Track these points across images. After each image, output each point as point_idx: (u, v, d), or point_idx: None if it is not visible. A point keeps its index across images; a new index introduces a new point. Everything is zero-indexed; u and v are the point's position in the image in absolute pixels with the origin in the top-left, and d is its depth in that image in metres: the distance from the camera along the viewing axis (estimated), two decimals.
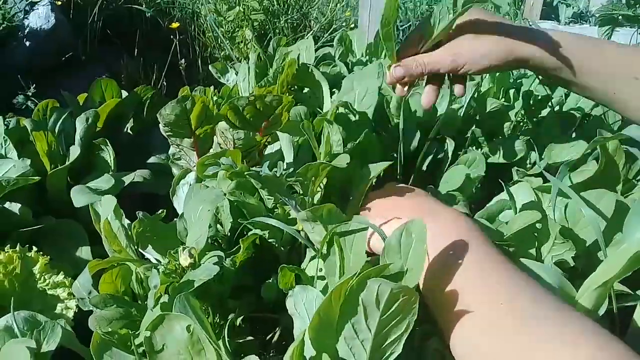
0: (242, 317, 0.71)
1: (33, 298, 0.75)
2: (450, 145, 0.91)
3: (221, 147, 0.92)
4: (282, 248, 0.76)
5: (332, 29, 2.40)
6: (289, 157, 0.90)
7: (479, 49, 0.79)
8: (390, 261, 0.52)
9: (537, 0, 3.42)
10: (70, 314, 0.75)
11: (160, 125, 0.92)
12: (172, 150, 0.99)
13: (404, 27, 3.21)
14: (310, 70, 1.15)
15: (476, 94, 1.07)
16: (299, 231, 0.70)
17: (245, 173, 0.70)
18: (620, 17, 1.42)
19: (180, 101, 0.89)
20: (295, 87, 1.21)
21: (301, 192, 0.79)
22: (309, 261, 0.69)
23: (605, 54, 0.79)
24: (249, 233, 0.73)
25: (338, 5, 2.75)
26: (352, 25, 2.56)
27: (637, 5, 1.41)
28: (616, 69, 0.79)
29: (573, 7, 3.86)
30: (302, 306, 0.56)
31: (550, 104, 1.06)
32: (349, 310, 0.48)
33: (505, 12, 4.20)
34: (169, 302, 0.63)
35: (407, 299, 0.45)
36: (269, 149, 0.98)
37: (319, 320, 0.49)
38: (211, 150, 0.94)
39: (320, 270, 0.64)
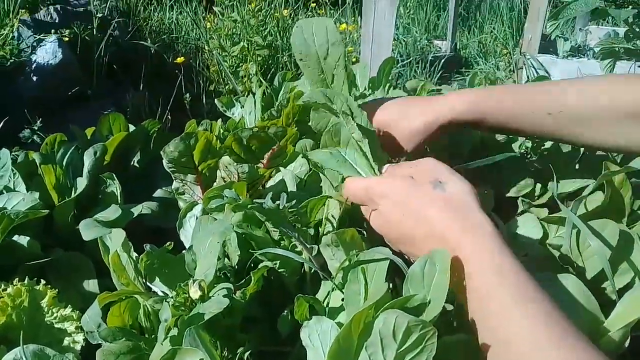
0: (250, 351, 0.71)
1: (40, 331, 0.75)
2: None
3: (225, 181, 0.93)
4: (290, 278, 0.76)
5: None
6: (291, 189, 0.91)
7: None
8: (414, 291, 0.52)
9: (535, 34, 3.47)
10: (78, 347, 0.74)
11: (164, 162, 0.92)
12: (175, 185, 0.99)
13: (404, 62, 3.26)
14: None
15: None
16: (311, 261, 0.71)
17: (249, 206, 0.71)
18: (621, 50, 1.45)
19: (183, 138, 0.90)
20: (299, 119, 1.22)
21: (304, 225, 0.80)
22: (332, 291, 0.68)
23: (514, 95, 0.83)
24: (260, 265, 0.73)
25: None
26: (354, 60, 2.60)
27: (635, 39, 1.43)
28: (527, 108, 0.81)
29: (571, 41, 3.92)
30: (317, 337, 0.56)
31: None
32: (367, 340, 0.48)
33: (503, 46, 4.27)
34: (178, 335, 0.63)
35: (425, 334, 0.45)
36: (271, 182, 0.98)
37: (338, 347, 0.49)
38: (214, 184, 0.95)
39: (342, 300, 0.64)
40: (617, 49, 1.44)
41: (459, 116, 0.82)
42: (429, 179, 0.65)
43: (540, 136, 0.87)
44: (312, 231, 0.81)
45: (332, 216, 0.77)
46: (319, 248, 0.71)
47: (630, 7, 1.59)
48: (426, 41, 4.33)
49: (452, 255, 0.58)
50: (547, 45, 3.80)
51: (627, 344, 0.60)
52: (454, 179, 0.65)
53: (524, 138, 1.05)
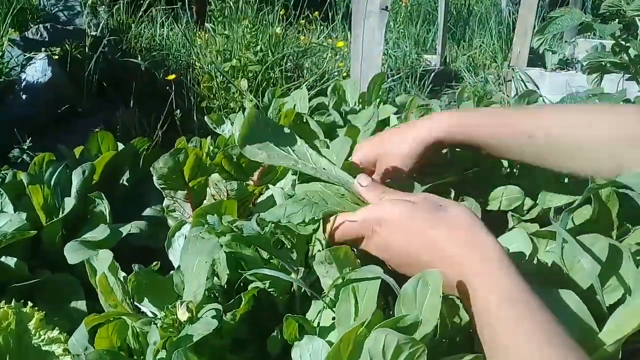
0: None
1: (28, 354, 0.74)
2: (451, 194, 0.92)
3: (214, 199, 0.92)
4: (280, 298, 0.75)
5: (325, 79, 2.45)
6: None
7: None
8: (406, 311, 0.52)
9: (523, 48, 3.51)
10: None
11: (154, 178, 0.92)
12: (166, 202, 0.99)
13: (394, 76, 3.28)
14: (304, 119, 1.17)
15: None
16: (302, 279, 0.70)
17: (227, 234, 0.70)
18: (608, 64, 1.46)
19: (173, 154, 0.90)
20: None
21: (291, 245, 0.79)
22: (323, 310, 0.68)
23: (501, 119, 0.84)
24: (250, 285, 0.73)
25: (331, 56, 2.81)
26: (345, 74, 2.61)
27: (622, 53, 1.45)
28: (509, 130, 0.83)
29: (559, 54, 3.96)
30: (308, 357, 0.55)
31: None
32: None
33: (492, 59, 4.30)
34: (167, 358, 0.62)
35: (415, 352, 0.45)
36: (261, 198, 0.98)
37: None
38: (205, 202, 0.94)
39: (333, 319, 0.63)
40: (604, 63, 1.45)
41: (442, 137, 0.84)
42: (429, 204, 0.65)
43: (522, 161, 0.88)
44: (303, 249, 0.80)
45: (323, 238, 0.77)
46: (308, 268, 0.70)
47: (617, 20, 1.61)
48: (416, 55, 4.36)
49: (459, 274, 0.58)
50: (536, 59, 3.83)
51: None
52: (453, 203, 0.66)
53: None
